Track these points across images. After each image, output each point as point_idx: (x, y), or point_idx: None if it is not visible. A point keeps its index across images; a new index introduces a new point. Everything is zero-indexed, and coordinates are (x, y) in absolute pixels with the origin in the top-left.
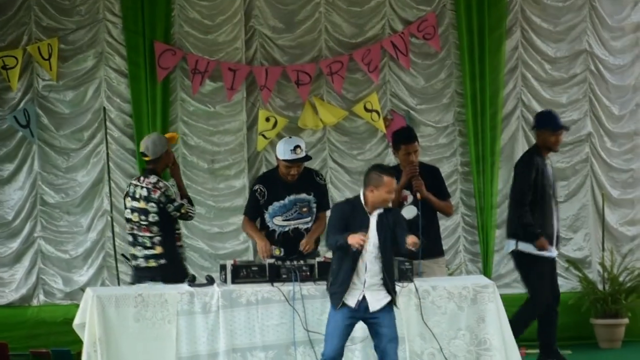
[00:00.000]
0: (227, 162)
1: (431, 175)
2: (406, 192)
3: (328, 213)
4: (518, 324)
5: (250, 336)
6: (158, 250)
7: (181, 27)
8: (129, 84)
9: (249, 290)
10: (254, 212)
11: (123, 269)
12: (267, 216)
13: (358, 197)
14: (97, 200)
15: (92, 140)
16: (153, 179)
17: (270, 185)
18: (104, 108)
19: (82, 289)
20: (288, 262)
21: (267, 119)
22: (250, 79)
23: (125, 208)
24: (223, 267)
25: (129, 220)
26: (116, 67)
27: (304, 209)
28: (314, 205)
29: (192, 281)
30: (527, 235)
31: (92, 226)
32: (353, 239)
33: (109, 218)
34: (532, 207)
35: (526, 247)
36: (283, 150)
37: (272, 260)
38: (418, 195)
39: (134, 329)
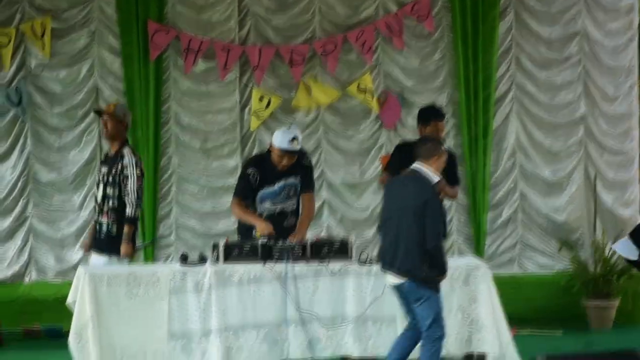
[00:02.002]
0: (220, 141)
1: (448, 160)
2: None
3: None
4: None
5: (242, 315)
6: None
7: (174, 6)
8: (122, 63)
9: (241, 270)
10: (246, 194)
11: None
12: (256, 199)
13: (421, 173)
14: (89, 179)
15: (84, 119)
16: None
17: (263, 170)
18: (97, 87)
19: (74, 267)
20: (280, 242)
21: (261, 99)
22: (244, 58)
23: None
24: (215, 246)
25: None
26: (109, 46)
27: (291, 192)
28: (299, 186)
29: (184, 260)
30: None
31: (84, 204)
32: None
33: None
34: None
35: None
36: (280, 140)
37: (264, 240)
38: None
39: (126, 307)
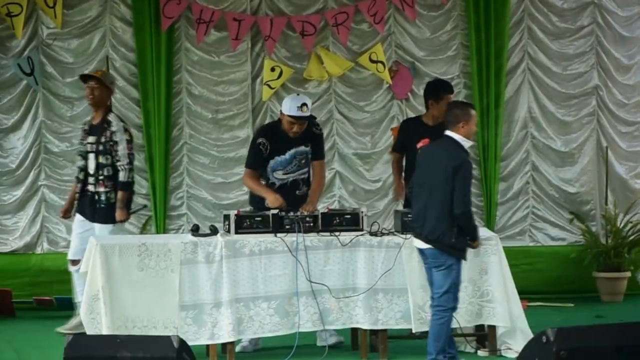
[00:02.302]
0: (232, 112)
1: None
2: None
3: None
4: None
5: (253, 286)
6: None
7: None
8: (133, 33)
9: (252, 241)
10: (257, 164)
11: None
12: (268, 169)
13: (452, 140)
14: None
15: None
16: None
17: (273, 139)
18: (108, 57)
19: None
20: (292, 213)
21: (273, 69)
22: (255, 29)
23: None
24: (226, 217)
25: None
26: (121, 16)
27: (303, 161)
28: (310, 155)
29: (196, 231)
30: None
31: None
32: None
33: None
34: None
35: None
36: (289, 107)
37: (275, 211)
38: None
39: (137, 277)
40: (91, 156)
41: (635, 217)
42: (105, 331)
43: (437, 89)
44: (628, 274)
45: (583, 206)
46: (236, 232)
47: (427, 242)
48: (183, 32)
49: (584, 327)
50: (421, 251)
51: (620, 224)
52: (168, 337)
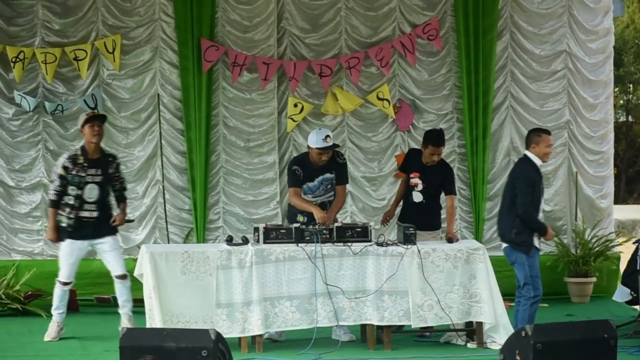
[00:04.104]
0: (261, 141)
1: (445, 171)
2: (417, 181)
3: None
4: None
5: (278, 288)
6: None
7: (224, 27)
8: (179, 74)
9: (277, 249)
10: (298, 184)
11: (172, 230)
12: (300, 193)
13: (525, 157)
14: (151, 172)
15: (147, 121)
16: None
17: (304, 168)
18: (158, 94)
19: (138, 246)
20: (311, 226)
21: (295, 105)
22: (281, 71)
23: None
24: (256, 229)
25: None
26: (169, 60)
27: (329, 186)
28: (334, 180)
29: (230, 241)
30: None
31: (146, 193)
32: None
33: (161, 187)
34: None
35: None
36: (315, 140)
37: (297, 224)
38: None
39: (182, 280)
40: (94, 186)
41: (601, 231)
42: (158, 325)
43: (424, 138)
44: (594, 279)
45: (556, 222)
46: (264, 242)
47: (501, 240)
48: (221, 73)
49: (556, 324)
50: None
51: (588, 237)
52: (206, 330)
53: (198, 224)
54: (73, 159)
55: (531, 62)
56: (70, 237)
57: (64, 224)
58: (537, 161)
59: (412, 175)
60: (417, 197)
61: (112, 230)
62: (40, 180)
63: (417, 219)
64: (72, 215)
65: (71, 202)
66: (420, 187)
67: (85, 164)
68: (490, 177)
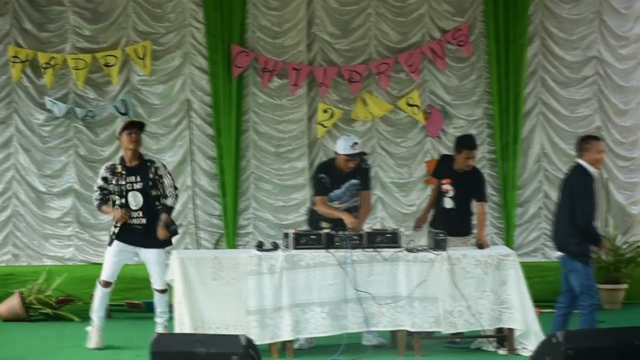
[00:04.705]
0: (291, 146)
1: (476, 178)
2: (449, 187)
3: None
4: None
5: (308, 293)
6: None
7: (254, 33)
8: (209, 80)
9: (308, 255)
10: (325, 192)
11: (203, 235)
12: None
13: (579, 165)
14: (181, 177)
15: (177, 127)
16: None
17: (331, 175)
18: (189, 100)
19: (169, 252)
20: (341, 232)
21: (325, 111)
22: (311, 77)
23: None
24: (286, 235)
25: None
26: (199, 66)
27: (354, 192)
28: (359, 186)
29: (260, 247)
30: None
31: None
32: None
33: (191, 192)
34: None
35: None
36: (343, 147)
37: (327, 230)
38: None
39: (212, 286)
40: (136, 193)
41: (632, 237)
42: (188, 330)
43: (457, 143)
44: (625, 285)
45: None
46: (294, 248)
47: (558, 250)
48: (251, 79)
49: (587, 330)
50: (559, 259)
51: (619, 243)
52: (236, 336)
53: (228, 229)
54: (111, 169)
55: (562, 68)
56: (118, 240)
57: (110, 232)
58: (591, 169)
59: (443, 182)
60: (448, 203)
61: (161, 243)
62: (71, 186)
63: (448, 225)
64: (118, 224)
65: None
66: (451, 193)
67: (123, 172)
68: (521, 183)
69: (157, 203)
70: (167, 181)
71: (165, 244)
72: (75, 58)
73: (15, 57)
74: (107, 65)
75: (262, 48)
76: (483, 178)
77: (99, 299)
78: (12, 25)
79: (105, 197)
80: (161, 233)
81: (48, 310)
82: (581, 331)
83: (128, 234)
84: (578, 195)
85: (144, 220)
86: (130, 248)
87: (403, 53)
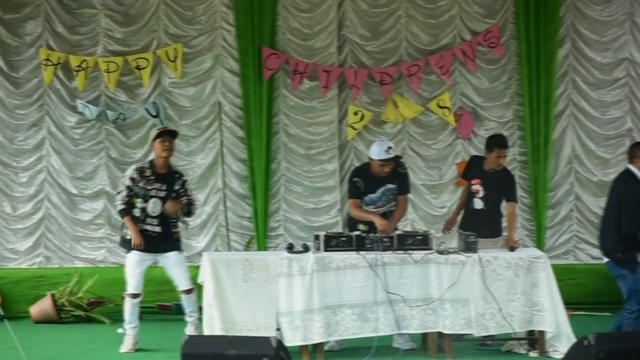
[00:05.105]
0: (321, 148)
1: (506, 179)
2: (478, 187)
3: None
4: None
5: (339, 296)
6: None
7: (284, 35)
8: (240, 82)
9: (338, 257)
10: (359, 196)
11: (233, 237)
12: (361, 204)
13: (627, 171)
14: (212, 180)
15: (208, 129)
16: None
17: (365, 179)
18: (219, 102)
19: (199, 254)
20: (372, 234)
21: (356, 113)
22: (342, 79)
23: None
24: (317, 237)
25: None
26: (229, 68)
27: (390, 196)
28: (396, 191)
29: (291, 249)
30: None
31: (207, 201)
32: None
33: (222, 194)
34: None
35: None
36: (378, 152)
37: (358, 232)
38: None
39: (242, 288)
40: (157, 201)
41: None
42: (218, 332)
43: (489, 142)
44: None
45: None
46: (325, 250)
47: (604, 255)
48: (281, 81)
49: (620, 333)
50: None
51: None
52: (267, 338)
53: (259, 231)
54: (140, 171)
55: (593, 69)
56: (135, 249)
57: (129, 237)
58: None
59: (473, 182)
60: (478, 204)
61: (176, 246)
62: (103, 188)
63: (478, 226)
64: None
65: (137, 214)
66: (481, 193)
67: (151, 177)
68: (552, 186)
69: (173, 215)
70: (189, 190)
71: (178, 246)
72: (107, 61)
73: (47, 60)
74: (138, 67)
75: (293, 50)
76: (513, 178)
77: (129, 310)
78: (44, 28)
79: (130, 201)
80: (171, 205)
81: (79, 313)
82: (613, 334)
83: (144, 242)
84: (625, 202)
85: (158, 229)
86: (149, 256)
87: (434, 55)
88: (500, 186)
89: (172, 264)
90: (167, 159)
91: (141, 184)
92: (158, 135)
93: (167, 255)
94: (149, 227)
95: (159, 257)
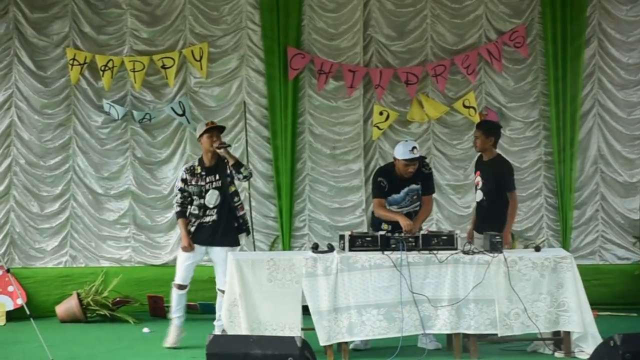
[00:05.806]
0: (346, 148)
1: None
2: (478, 179)
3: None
4: None
5: (364, 296)
6: None
7: (310, 35)
8: (265, 82)
9: (363, 257)
10: (383, 195)
11: (258, 237)
12: (386, 204)
13: None
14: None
15: (234, 129)
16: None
17: (389, 180)
18: (245, 102)
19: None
20: (397, 234)
21: (381, 113)
22: (367, 79)
23: None
24: (342, 237)
25: None
26: (255, 68)
27: (414, 197)
28: (420, 191)
29: (316, 249)
30: None
31: None
32: None
33: (247, 194)
34: None
35: None
36: (402, 152)
37: (383, 232)
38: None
39: (267, 287)
40: (214, 192)
41: None
42: (243, 332)
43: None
44: None
45: None
46: (350, 250)
47: None
48: (307, 81)
49: None
50: None
51: None
52: (292, 338)
53: (284, 231)
54: (190, 170)
55: (619, 69)
56: (195, 242)
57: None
58: None
59: (476, 175)
60: (479, 195)
61: (231, 242)
62: (128, 188)
63: (479, 219)
64: (196, 224)
65: (195, 211)
66: (480, 184)
67: (202, 173)
68: (578, 186)
69: (235, 199)
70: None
71: (235, 243)
72: (133, 60)
73: (73, 59)
74: (164, 67)
75: (318, 50)
76: (508, 165)
77: (176, 300)
78: (70, 28)
79: (186, 202)
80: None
81: (105, 312)
82: (639, 334)
83: (198, 233)
84: None
85: (215, 217)
86: (202, 249)
87: (459, 55)
88: (496, 174)
89: (221, 260)
90: (215, 152)
91: (193, 182)
92: (206, 131)
93: (219, 249)
94: (207, 219)
95: (210, 250)
